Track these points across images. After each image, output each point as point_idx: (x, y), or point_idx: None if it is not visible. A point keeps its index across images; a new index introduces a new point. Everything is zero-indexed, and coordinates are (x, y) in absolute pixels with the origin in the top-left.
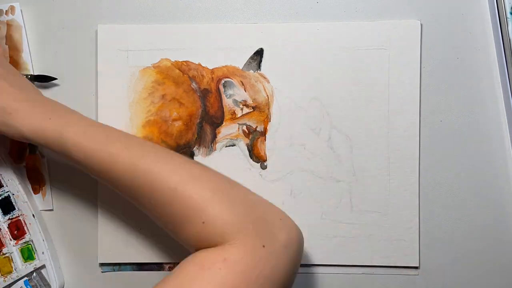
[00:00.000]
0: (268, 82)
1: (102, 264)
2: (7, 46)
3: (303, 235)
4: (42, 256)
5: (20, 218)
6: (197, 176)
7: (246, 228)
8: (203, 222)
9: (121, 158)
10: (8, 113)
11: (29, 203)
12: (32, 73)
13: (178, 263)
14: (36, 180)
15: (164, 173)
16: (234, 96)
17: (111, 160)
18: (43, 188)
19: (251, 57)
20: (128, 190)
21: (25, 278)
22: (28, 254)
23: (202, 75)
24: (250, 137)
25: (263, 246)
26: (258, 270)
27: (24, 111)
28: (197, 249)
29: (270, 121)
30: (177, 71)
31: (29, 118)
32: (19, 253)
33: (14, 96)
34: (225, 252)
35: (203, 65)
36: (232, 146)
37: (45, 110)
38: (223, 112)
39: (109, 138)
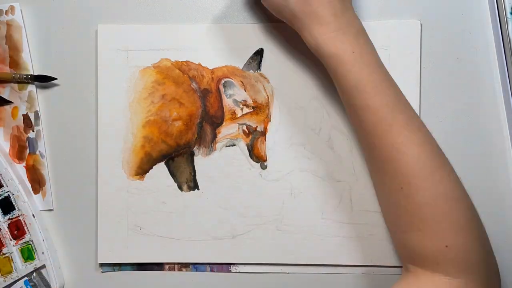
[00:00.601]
0: (268, 82)
1: (102, 264)
2: (7, 46)
3: (303, 235)
4: (42, 256)
5: (20, 218)
6: (433, 179)
7: (472, 271)
8: (431, 239)
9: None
10: (319, 23)
11: (29, 203)
12: (32, 73)
13: (178, 263)
14: (36, 180)
15: (405, 158)
16: (234, 96)
17: (361, 104)
18: (43, 188)
19: (251, 57)
20: (360, 134)
21: (25, 278)
22: (28, 254)
23: (202, 75)
24: (250, 137)
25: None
26: None
27: (330, 30)
28: (411, 257)
29: (270, 121)
30: (177, 71)
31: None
32: (19, 253)
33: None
34: None
35: (203, 65)
36: (232, 146)
37: (344, 32)
38: (223, 112)
39: (372, 68)
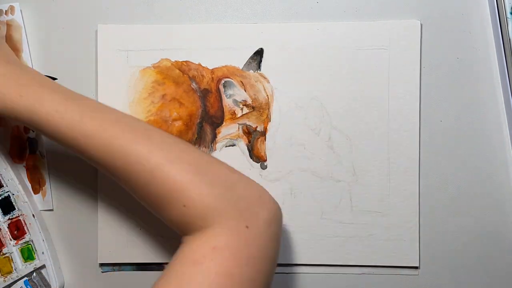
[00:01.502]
0: (268, 82)
1: (102, 264)
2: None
3: (303, 235)
4: (42, 256)
5: (20, 218)
6: (175, 158)
7: (228, 211)
8: (184, 206)
9: (95, 139)
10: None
11: (29, 203)
12: None
13: None
14: (36, 180)
15: (141, 154)
16: (234, 96)
17: (85, 141)
18: (43, 188)
19: (251, 57)
20: (106, 170)
21: (25, 278)
22: (28, 254)
23: (202, 75)
24: (250, 137)
25: (247, 227)
26: (246, 252)
27: None
28: (181, 231)
29: (270, 121)
30: (177, 71)
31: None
32: (19, 253)
33: None
34: (211, 240)
35: (203, 65)
36: (232, 146)
37: (18, 85)
38: (223, 112)
39: (83, 116)
